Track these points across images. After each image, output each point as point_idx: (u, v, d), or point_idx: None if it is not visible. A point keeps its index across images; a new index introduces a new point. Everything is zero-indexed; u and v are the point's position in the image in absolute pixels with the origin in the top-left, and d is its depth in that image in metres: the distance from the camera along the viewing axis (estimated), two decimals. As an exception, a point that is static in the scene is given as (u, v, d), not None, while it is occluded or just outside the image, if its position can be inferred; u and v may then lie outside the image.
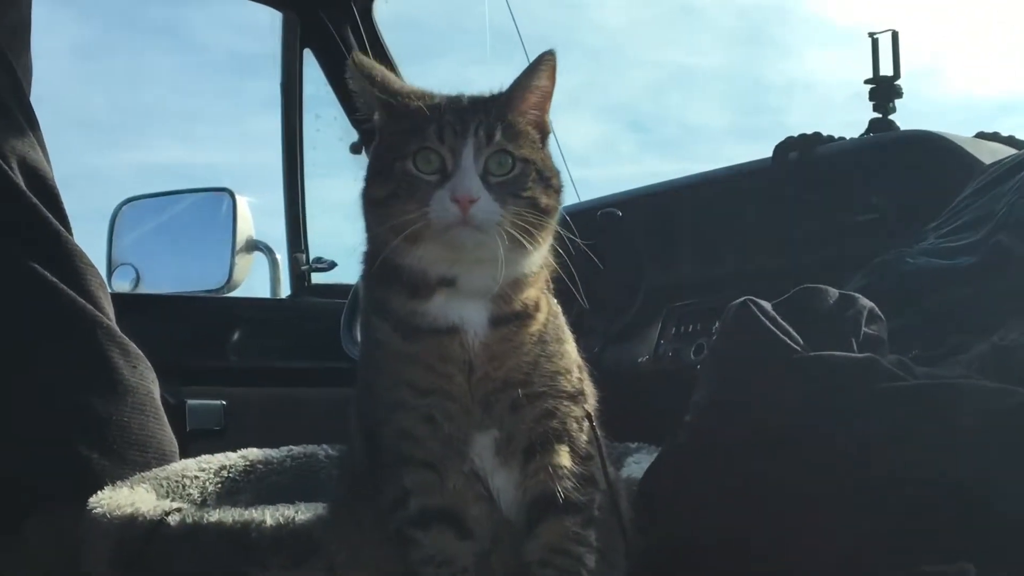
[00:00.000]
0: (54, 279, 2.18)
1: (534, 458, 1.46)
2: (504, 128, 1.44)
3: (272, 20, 3.47)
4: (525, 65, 1.50)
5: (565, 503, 1.44)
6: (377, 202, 1.45)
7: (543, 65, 1.49)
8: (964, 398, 1.48)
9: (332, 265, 3.47)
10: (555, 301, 1.53)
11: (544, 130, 1.51)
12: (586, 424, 1.50)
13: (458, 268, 1.43)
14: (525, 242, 1.41)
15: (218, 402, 2.98)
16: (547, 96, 1.50)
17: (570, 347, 1.52)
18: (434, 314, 1.44)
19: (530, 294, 1.48)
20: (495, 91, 1.49)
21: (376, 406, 1.49)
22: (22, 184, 2.20)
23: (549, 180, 1.46)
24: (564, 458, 1.46)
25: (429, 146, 1.41)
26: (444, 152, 1.41)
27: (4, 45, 2.28)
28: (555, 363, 1.48)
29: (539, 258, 1.48)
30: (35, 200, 2.21)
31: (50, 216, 2.23)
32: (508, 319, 1.46)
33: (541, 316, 1.48)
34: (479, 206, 1.38)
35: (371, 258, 1.50)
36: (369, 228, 1.49)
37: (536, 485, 1.46)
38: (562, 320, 1.53)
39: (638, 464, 1.85)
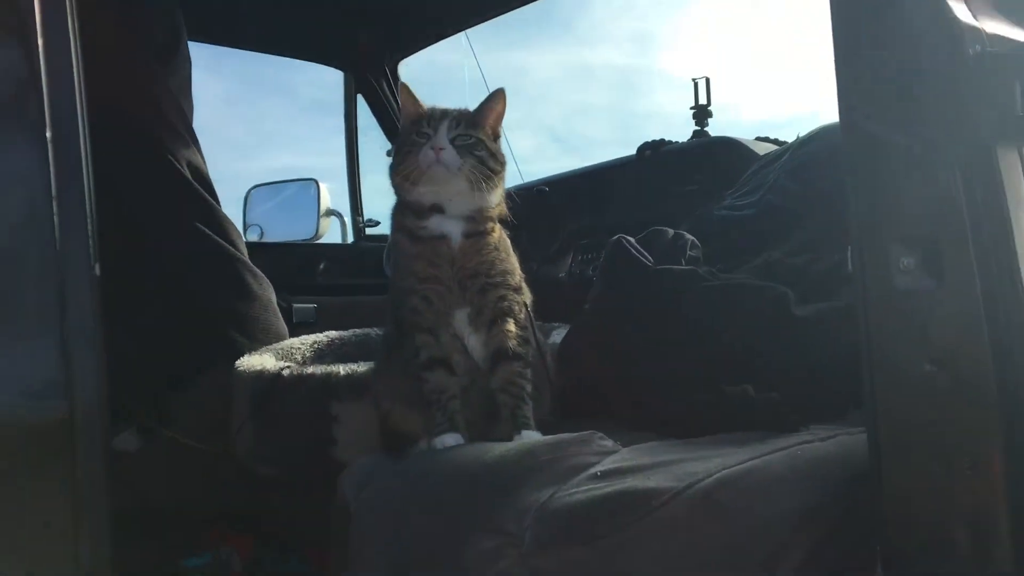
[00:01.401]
0: (209, 232, 2.17)
1: (494, 326, 1.46)
2: (467, 121, 1.45)
3: (338, 78, 3.41)
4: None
5: (512, 354, 1.45)
6: (394, 165, 1.47)
7: (497, 96, 1.49)
8: (747, 291, 1.49)
9: (377, 223, 3.43)
10: (506, 235, 1.53)
11: (497, 134, 1.50)
12: (525, 307, 1.50)
13: (440, 197, 1.44)
14: (480, 186, 1.42)
15: (312, 306, 2.95)
16: (500, 113, 1.50)
17: (514, 261, 1.51)
18: (431, 229, 1.44)
19: (489, 221, 1.47)
20: (467, 97, 1.52)
21: (398, 296, 1.49)
22: (189, 176, 2.19)
23: (495, 155, 1.46)
24: (511, 326, 1.46)
25: (423, 129, 1.43)
26: (429, 130, 1.42)
27: (176, 92, 2.25)
28: (505, 265, 1.48)
29: (493, 199, 1.47)
30: (198, 186, 2.19)
31: (207, 195, 2.21)
32: (475, 233, 1.45)
33: (496, 235, 1.48)
34: (446, 153, 1.40)
35: (397, 204, 1.51)
36: (392, 182, 1.49)
37: (495, 343, 1.46)
38: (510, 245, 1.52)
39: (559, 334, 1.86)
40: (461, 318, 1.46)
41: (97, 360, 0.68)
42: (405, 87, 1.51)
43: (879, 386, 0.94)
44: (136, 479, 2.07)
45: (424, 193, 1.44)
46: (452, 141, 1.41)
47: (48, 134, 0.66)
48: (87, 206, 0.67)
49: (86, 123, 0.70)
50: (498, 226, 1.49)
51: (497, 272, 1.46)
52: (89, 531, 0.68)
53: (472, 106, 1.51)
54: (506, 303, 1.46)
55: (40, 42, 0.67)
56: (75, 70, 0.69)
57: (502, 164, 1.48)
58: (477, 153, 1.43)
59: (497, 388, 1.44)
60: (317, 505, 1.53)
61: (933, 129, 0.91)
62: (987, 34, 0.93)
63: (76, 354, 0.67)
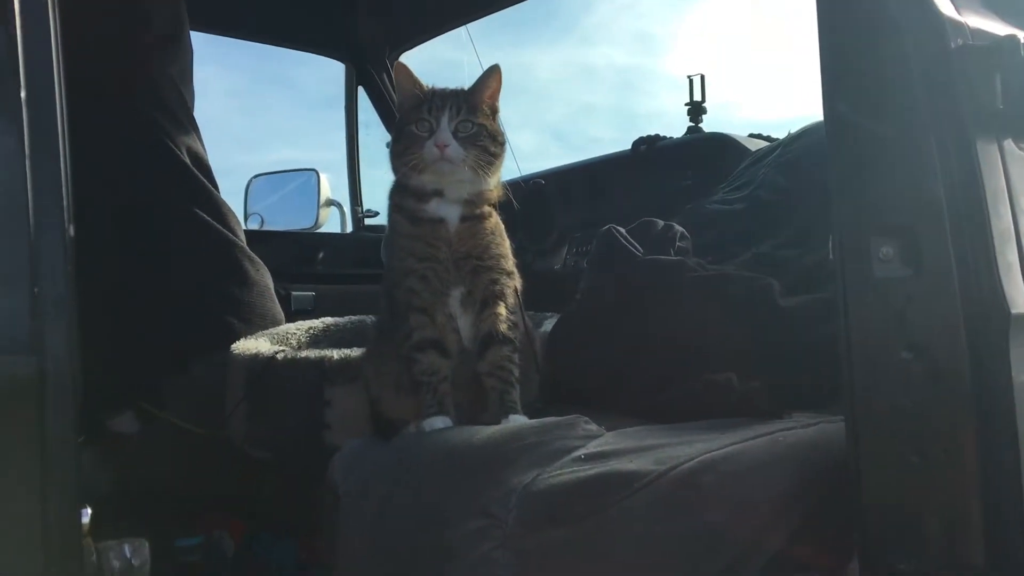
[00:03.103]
0: (208, 218, 2.17)
1: (485, 308, 1.45)
2: (467, 106, 1.43)
3: (341, 72, 3.40)
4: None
5: (502, 338, 1.45)
6: (397, 152, 1.46)
7: (493, 72, 1.48)
8: (734, 281, 1.50)
9: (376, 214, 3.41)
10: (501, 223, 1.52)
11: (494, 109, 1.49)
12: (515, 293, 1.50)
13: (442, 184, 1.44)
14: (481, 172, 1.42)
15: (310, 294, 2.94)
16: (496, 89, 1.48)
17: (507, 247, 1.51)
18: (430, 212, 1.44)
19: (486, 206, 1.47)
20: (465, 86, 1.48)
21: (394, 276, 1.49)
22: (189, 162, 2.19)
23: (495, 137, 1.45)
24: (501, 310, 1.46)
25: (423, 117, 1.42)
26: (431, 119, 1.42)
27: (177, 80, 2.25)
28: (499, 250, 1.48)
29: (492, 182, 1.47)
30: (197, 172, 2.19)
31: (206, 181, 2.22)
32: (472, 217, 1.45)
33: (492, 220, 1.48)
34: (451, 149, 1.39)
35: (396, 184, 1.50)
36: (394, 167, 1.49)
37: (486, 326, 1.45)
38: (504, 232, 1.51)
39: (550, 323, 1.86)
40: (455, 297, 1.46)
41: (68, 318, 0.69)
42: (401, 65, 1.50)
43: (857, 373, 0.94)
44: (132, 460, 2.08)
45: (428, 181, 1.44)
46: (454, 133, 1.41)
47: (23, 94, 0.66)
48: (62, 165, 0.67)
49: (63, 82, 0.70)
50: (494, 212, 1.49)
51: (490, 256, 1.46)
52: (58, 490, 0.68)
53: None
54: (498, 287, 1.46)
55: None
56: (52, 31, 0.69)
57: (501, 145, 1.48)
58: (479, 143, 1.43)
59: (485, 372, 1.44)
60: (309, 490, 1.53)
61: (915, 121, 0.92)
62: (970, 28, 0.94)
63: (46, 312, 0.68)
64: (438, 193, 1.44)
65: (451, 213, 1.45)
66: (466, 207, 1.45)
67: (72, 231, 0.67)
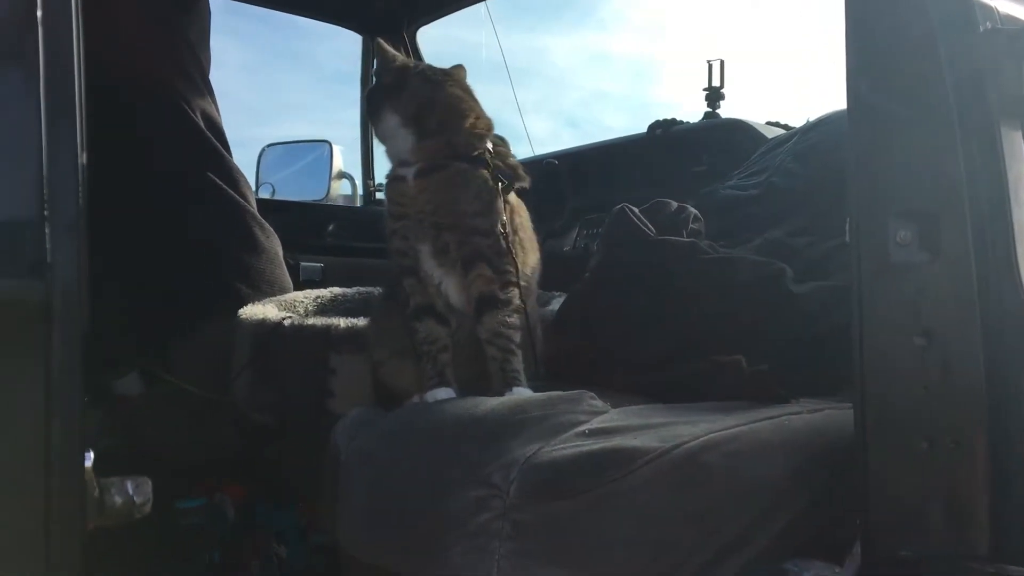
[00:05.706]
0: (220, 182, 2.16)
1: (470, 270, 1.43)
2: None
3: (356, 43, 3.38)
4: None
5: (495, 300, 1.42)
6: None
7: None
8: (746, 265, 1.48)
9: (388, 187, 3.41)
10: (481, 179, 1.45)
11: None
12: (502, 249, 1.44)
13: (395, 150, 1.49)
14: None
15: (319, 265, 2.93)
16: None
17: (483, 206, 1.44)
18: (397, 169, 1.47)
19: (441, 158, 1.45)
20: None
21: (388, 242, 1.50)
22: (203, 126, 2.18)
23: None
24: (486, 270, 1.43)
25: None
26: None
27: (195, 43, 2.24)
28: (460, 207, 1.43)
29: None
30: (210, 135, 2.18)
31: (219, 145, 2.20)
32: (427, 171, 1.44)
33: (450, 171, 1.44)
34: None
35: None
36: None
37: (475, 288, 1.43)
38: (481, 190, 1.44)
39: (558, 302, 1.84)
40: (425, 253, 1.44)
41: (78, 245, 0.68)
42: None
43: (869, 357, 0.93)
44: (136, 422, 2.08)
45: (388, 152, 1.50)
46: None
47: (39, 13, 0.65)
48: (76, 92, 0.66)
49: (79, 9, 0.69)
50: (454, 162, 1.45)
51: (451, 214, 1.43)
52: (60, 420, 0.68)
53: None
54: (468, 247, 1.43)
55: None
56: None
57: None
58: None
59: (485, 339, 1.42)
60: (311, 456, 1.53)
61: (939, 103, 0.90)
62: (1000, 13, 0.93)
63: (57, 237, 0.67)
64: (403, 163, 1.47)
65: (408, 172, 1.45)
66: (420, 160, 1.45)
67: (85, 158, 0.66)
